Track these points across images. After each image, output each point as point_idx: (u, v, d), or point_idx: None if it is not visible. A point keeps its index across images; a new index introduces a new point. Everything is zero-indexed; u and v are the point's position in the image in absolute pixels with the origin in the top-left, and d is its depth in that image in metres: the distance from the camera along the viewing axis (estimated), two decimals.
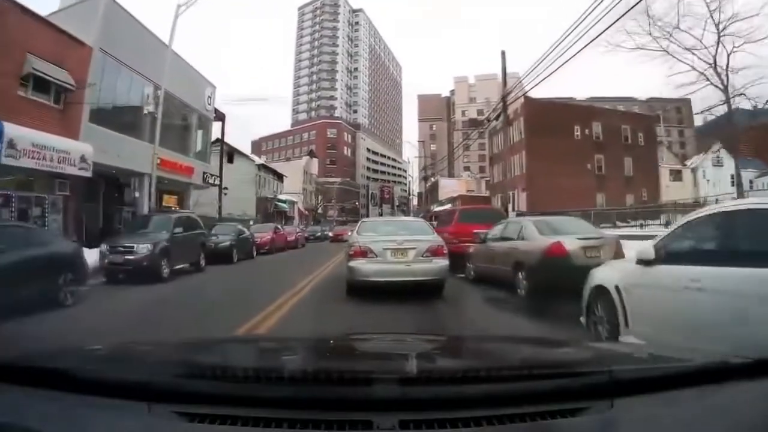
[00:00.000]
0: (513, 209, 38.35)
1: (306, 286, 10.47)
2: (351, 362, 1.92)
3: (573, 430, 1.28)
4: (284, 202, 50.53)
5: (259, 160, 46.90)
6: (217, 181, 30.74)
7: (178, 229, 12.85)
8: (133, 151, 20.14)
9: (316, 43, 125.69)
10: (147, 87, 18.33)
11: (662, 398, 1.33)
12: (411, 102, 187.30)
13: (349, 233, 22.72)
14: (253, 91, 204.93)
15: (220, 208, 31.31)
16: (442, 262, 8.45)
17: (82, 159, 16.55)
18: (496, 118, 22.04)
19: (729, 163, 55.78)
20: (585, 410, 1.29)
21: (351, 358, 2.02)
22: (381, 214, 74.21)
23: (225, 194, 32.10)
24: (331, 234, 40.59)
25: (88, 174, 16.80)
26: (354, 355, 2.13)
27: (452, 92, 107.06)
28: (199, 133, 29.36)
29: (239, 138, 70.78)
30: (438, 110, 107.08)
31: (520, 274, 8.66)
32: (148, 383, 1.32)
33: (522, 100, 36.73)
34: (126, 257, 11.28)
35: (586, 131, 39.26)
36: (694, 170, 55.15)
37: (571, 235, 8.27)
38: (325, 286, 10.71)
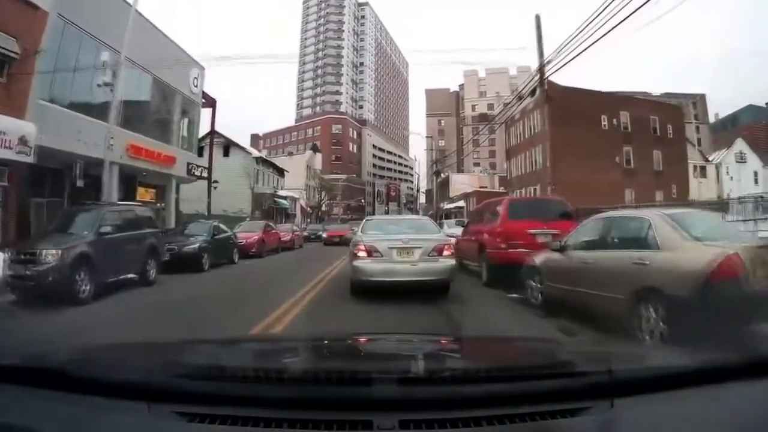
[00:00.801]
0: None
1: (287, 315, 7.15)
2: (351, 362, 1.88)
3: (573, 430, 1.27)
4: (284, 198, 47.27)
5: (257, 153, 43.67)
6: (205, 174, 27.59)
7: (110, 228, 9.39)
8: (97, 134, 16.99)
9: (321, 37, 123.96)
10: (104, 53, 15.08)
11: (662, 398, 1.32)
12: (418, 99, 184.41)
13: (349, 233, 19.09)
14: (256, 85, 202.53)
15: (209, 204, 28.22)
16: (449, 262, 8.19)
17: (22, 141, 13.44)
18: (531, 94, 18.88)
19: (752, 160, 53.03)
20: (585, 410, 1.28)
21: (351, 358, 1.99)
22: (387, 212, 71.77)
23: (215, 188, 29.02)
24: (324, 235, 30.68)
25: (29, 159, 13.69)
26: (354, 355, 2.11)
27: (461, 86, 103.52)
28: (184, 119, 26.24)
29: (240, 133, 68.02)
30: (446, 105, 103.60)
31: (648, 308, 5.02)
32: (148, 383, 1.32)
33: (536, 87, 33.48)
34: (28, 268, 8.00)
35: (614, 121, 35.74)
36: (717, 166, 52.08)
37: (729, 239, 5.05)
38: (318, 313, 7.53)
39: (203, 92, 28.90)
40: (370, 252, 8.06)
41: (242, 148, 42.27)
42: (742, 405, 1.35)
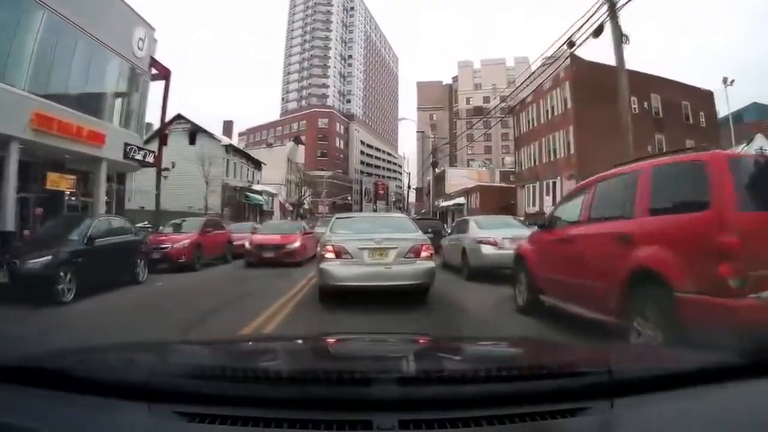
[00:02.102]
0: (554, 203, 29.94)
1: None
2: (351, 362, 1.87)
3: (573, 430, 1.28)
4: (259, 193, 41.32)
5: (227, 140, 37.82)
6: (151, 159, 21.98)
7: None
8: None
9: (308, 28, 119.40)
10: None
11: (662, 398, 1.33)
12: (409, 96, 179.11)
13: (298, 241, 15.58)
14: (240, 77, 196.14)
15: (157, 196, 22.59)
16: (427, 264, 7.55)
17: None
18: (572, 43, 13.81)
19: None
20: (585, 410, 1.28)
21: (351, 358, 1.99)
22: (376, 211, 66.40)
23: (165, 177, 23.44)
24: (248, 244, 15.67)
25: None
26: (354, 355, 2.10)
27: (455, 79, 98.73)
28: (126, 90, 20.71)
29: (219, 129, 61.76)
30: (439, 99, 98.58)
31: None
32: (149, 383, 1.32)
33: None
34: None
35: (645, 104, 30.56)
36: None
37: None
38: None
39: (153, 59, 23.43)
40: (339, 253, 7.40)
41: (210, 135, 36.52)
42: (742, 405, 1.34)
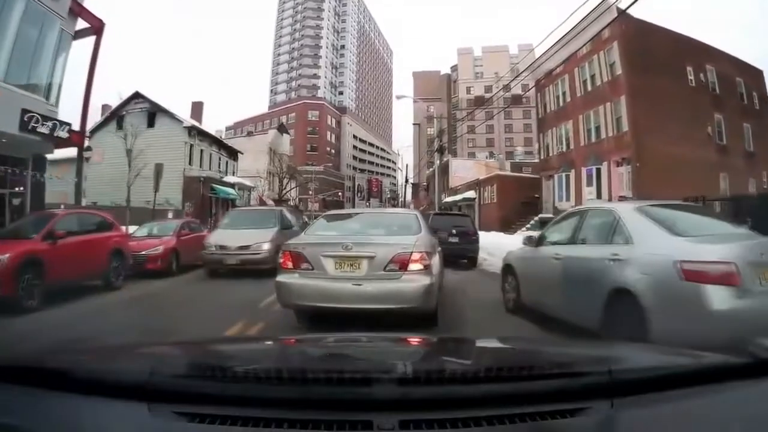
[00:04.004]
0: (599, 195, 24.14)
1: None
2: (351, 362, 1.82)
3: (573, 430, 1.27)
4: (231, 186, 34.86)
5: (190, 121, 31.62)
6: (64, 134, 16.05)
7: None
8: None
9: (299, 16, 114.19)
10: None
11: (662, 398, 1.32)
12: (403, 91, 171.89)
13: (166, 243, 12.34)
14: (226, 68, 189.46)
15: (77, 185, 16.69)
16: (418, 281, 5.48)
17: None
18: None
19: None
20: (585, 410, 1.28)
21: (351, 359, 1.93)
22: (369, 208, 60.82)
23: (87, 160, 17.57)
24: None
25: None
26: (354, 355, 2.03)
27: (453, 68, 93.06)
28: (15, 30, 14.83)
29: (206, 124, 55.04)
30: (436, 89, 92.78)
31: None
32: (148, 383, 1.30)
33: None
34: None
35: (701, 77, 24.78)
36: None
37: None
38: None
39: (80, 5, 17.82)
40: (297, 262, 5.75)
41: (171, 115, 30.43)
42: (742, 405, 1.34)
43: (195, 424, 1.20)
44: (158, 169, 18.33)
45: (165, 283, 10.55)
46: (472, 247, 14.18)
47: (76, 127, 17.96)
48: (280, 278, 5.87)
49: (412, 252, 5.58)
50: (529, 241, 6.84)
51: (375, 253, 5.57)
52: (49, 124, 15.65)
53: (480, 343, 2.49)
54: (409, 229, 6.44)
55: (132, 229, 14.08)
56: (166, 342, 2.67)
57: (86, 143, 18.11)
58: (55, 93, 17.43)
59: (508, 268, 7.27)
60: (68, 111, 17.69)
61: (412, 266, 5.51)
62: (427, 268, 5.60)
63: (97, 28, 19.32)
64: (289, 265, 5.79)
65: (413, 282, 5.47)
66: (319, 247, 5.77)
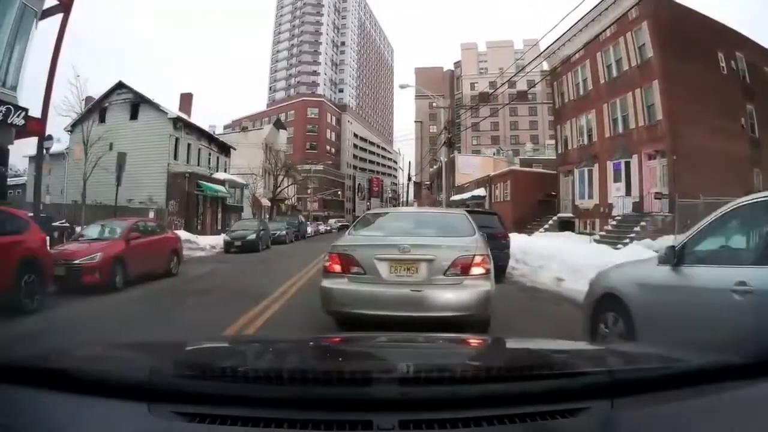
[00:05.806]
0: (629, 192, 21.86)
1: None
2: (351, 362, 1.77)
3: (573, 430, 1.26)
4: (222, 183, 32.41)
5: (175, 113, 29.23)
6: (19, 120, 13.83)
7: None
8: None
9: (298, 12, 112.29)
10: None
11: (662, 398, 1.32)
12: (405, 90, 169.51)
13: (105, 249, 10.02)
14: (224, 66, 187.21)
15: (36, 179, 14.48)
16: (481, 286, 5.17)
17: None
18: None
19: None
20: (585, 410, 1.27)
21: (351, 358, 1.88)
22: (369, 209, 58.73)
23: (47, 150, 15.33)
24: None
25: None
26: (354, 355, 2.00)
27: (457, 64, 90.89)
28: None
29: (204, 123, 52.53)
30: (439, 86, 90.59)
31: None
32: (148, 383, 1.30)
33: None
34: None
35: (732, 64, 22.52)
36: None
37: None
38: None
39: None
40: (347, 266, 5.32)
41: (155, 106, 28.14)
42: (742, 405, 1.33)
43: (195, 423, 1.19)
44: (121, 160, 16.23)
45: (99, 304, 8.10)
46: (503, 253, 10.82)
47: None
48: (326, 283, 5.46)
49: (474, 255, 5.25)
50: (666, 255, 3.77)
51: (435, 256, 5.19)
52: (1, 109, 13.51)
53: (480, 343, 2.46)
54: (463, 230, 5.96)
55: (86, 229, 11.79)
56: (165, 342, 2.56)
57: (71, 136, 15.84)
58: (14, 76, 15.33)
59: (610, 300, 4.29)
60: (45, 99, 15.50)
61: (474, 270, 5.20)
62: (488, 273, 5.31)
63: (66, 3, 17.18)
64: (337, 268, 5.41)
65: (475, 288, 5.17)
66: (372, 249, 5.35)
